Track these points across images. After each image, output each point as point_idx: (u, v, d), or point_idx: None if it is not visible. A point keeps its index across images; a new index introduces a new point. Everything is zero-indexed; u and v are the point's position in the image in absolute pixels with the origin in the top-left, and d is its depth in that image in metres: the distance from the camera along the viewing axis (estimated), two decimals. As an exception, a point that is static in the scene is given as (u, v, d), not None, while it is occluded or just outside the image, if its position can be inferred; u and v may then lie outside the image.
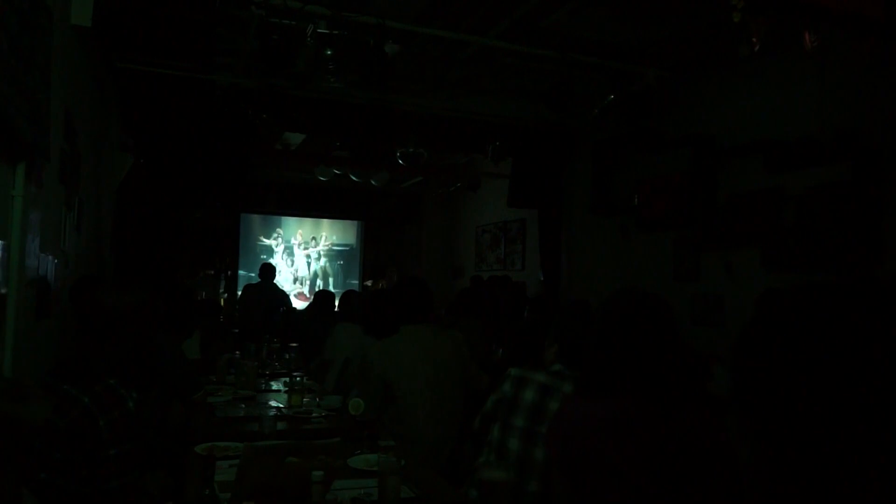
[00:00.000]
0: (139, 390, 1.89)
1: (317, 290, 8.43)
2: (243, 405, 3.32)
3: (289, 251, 10.33)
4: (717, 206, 5.09)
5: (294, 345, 4.70)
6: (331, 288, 9.74)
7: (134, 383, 1.88)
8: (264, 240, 10.18)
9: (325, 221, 10.58)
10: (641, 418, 1.53)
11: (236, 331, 7.01)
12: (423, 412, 2.87)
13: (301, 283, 10.35)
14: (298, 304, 8.84)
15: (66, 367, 1.87)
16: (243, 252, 9.99)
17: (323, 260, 10.56)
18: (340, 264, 10.67)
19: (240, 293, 8.21)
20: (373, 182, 8.49)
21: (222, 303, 8.67)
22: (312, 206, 10.25)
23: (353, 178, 8.39)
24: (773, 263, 4.57)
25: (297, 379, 3.47)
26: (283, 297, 7.55)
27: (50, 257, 3.03)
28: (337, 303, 5.57)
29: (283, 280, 9.84)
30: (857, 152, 4.07)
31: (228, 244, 9.82)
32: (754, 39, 3.49)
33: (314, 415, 3.13)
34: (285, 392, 3.48)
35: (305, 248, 10.42)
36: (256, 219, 10.19)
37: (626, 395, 1.56)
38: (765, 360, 0.71)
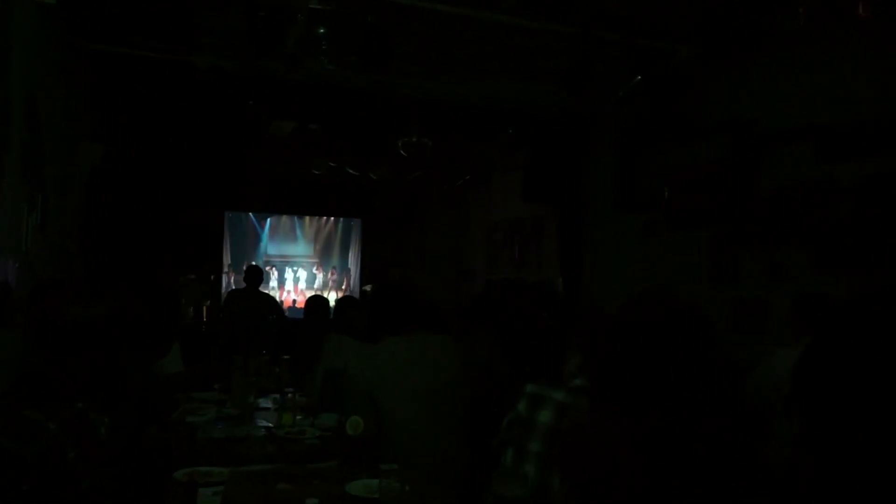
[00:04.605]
0: (110, 414, 1.85)
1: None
2: (228, 425, 3.29)
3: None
4: (759, 200, 5.04)
5: (286, 357, 4.68)
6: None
7: (104, 406, 1.84)
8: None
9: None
10: (667, 438, 1.51)
11: (220, 342, 7.00)
12: (415, 429, 2.87)
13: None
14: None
15: (25, 388, 1.82)
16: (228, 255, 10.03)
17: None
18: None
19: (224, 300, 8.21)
20: (372, 176, 8.47)
21: (205, 311, 8.67)
22: (305, 204, 10.24)
23: (351, 172, 8.38)
24: (825, 264, 4.52)
25: (289, 395, 3.45)
26: (273, 304, 7.54)
27: (10, 261, 3.02)
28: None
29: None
30: (919, 137, 4.02)
31: (212, 246, 9.82)
32: (801, 11, 3.45)
33: (308, 435, 3.11)
34: (275, 410, 3.46)
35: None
36: (243, 218, 10.22)
37: (649, 413, 1.53)
38: (836, 378, 0.68)
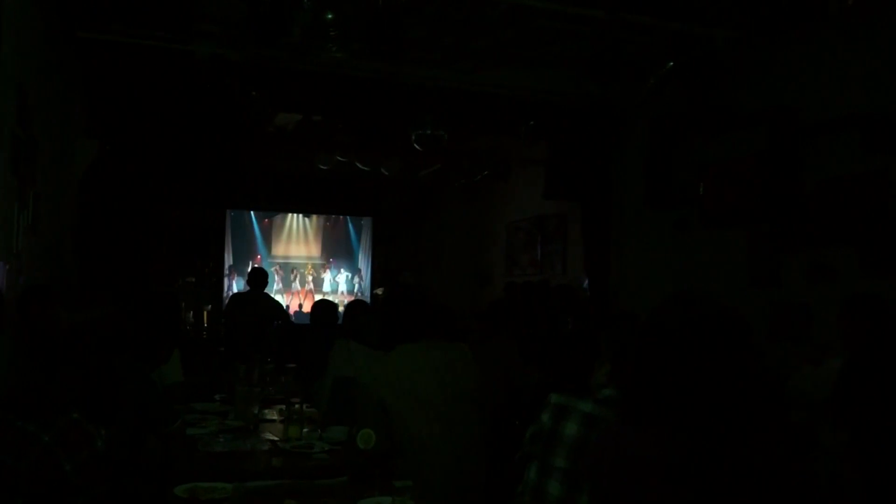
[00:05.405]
0: (107, 425, 1.86)
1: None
2: (231, 437, 3.31)
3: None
4: (802, 196, 5.01)
5: (292, 365, 4.70)
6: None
7: (101, 417, 1.86)
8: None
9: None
10: (703, 453, 1.49)
11: (222, 349, 7.05)
12: (431, 443, 2.87)
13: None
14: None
15: (17, 398, 1.84)
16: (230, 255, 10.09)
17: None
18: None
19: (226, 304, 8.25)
20: (384, 171, 8.49)
21: (205, 316, 8.74)
22: (312, 201, 10.27)
23: (361, 167, 8.40)
24: (874, 265, 4.48)
25: (296, 406, 3.46)
26: (278, 308, 7.58)
27: (0, 262, 3.05)
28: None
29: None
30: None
31: (213, 246, 9.89)
32: (848, -10, 3.42)
33: (316, 449, 3.12)
34: (281, 422, 3.47)
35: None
36: (245, 216, 10.28)
37: (683, 426, 1.52)
38: (885, 387, 0.67)
